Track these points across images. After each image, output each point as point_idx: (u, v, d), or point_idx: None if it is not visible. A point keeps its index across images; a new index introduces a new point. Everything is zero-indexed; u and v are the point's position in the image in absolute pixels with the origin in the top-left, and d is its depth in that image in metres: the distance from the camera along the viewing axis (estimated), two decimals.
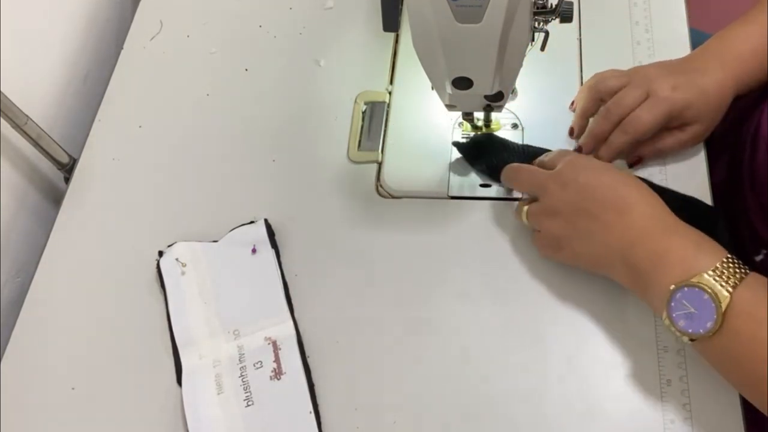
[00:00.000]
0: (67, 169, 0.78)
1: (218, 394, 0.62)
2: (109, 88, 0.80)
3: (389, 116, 0.75)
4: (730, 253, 0.54)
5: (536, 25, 0.59)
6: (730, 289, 0.51)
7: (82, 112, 0.85)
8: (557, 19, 0.59)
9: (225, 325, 0.65)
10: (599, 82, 0.67)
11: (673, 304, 0.52)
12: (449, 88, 0.60)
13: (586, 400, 0.59)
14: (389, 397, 0.61)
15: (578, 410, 0.59)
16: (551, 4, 0.58)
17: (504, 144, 0.70)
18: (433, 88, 0.63)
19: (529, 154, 0.68)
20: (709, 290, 0.51)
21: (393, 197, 0.71)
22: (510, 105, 0.73)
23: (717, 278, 0.51)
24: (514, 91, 0.73)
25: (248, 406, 0.61)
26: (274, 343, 0.63)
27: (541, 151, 0.68)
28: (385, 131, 0.74)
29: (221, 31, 0.83)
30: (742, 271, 0.52)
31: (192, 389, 0.62)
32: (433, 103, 0.71)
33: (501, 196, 0.69)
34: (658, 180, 0.68)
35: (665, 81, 0.64)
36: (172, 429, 0.61)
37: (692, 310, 0.52)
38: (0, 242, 0.73)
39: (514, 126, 0.73)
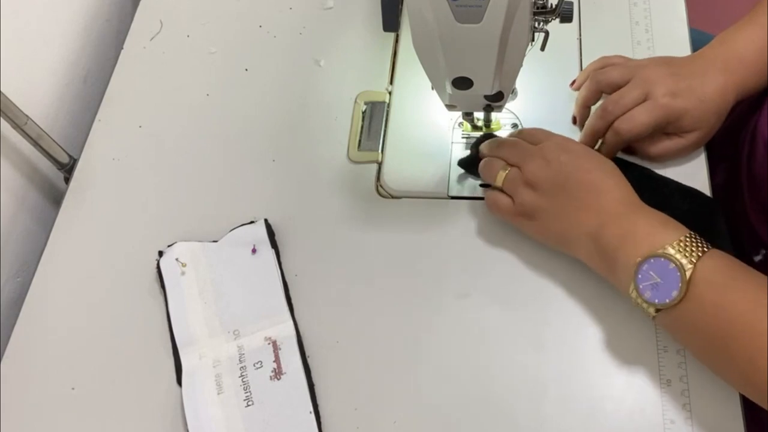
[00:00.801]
0: (67, 169, 0.78)
1: (218, 394, 0.62)
2: (109, 88, 0.80)
3: (389, 116, 0.75)
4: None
5: (536, 25, 0.59)
6: (694, 260, 0.53)
7: (82, 112, 0.85)
8: (557, 19, 0.59)
9: (225, 325, 0.65)
10: (601, 73, 0.68)
11: (640, 275, 0.55)
12: (449, 88, 0.60)
13: (586, 400, 0.59)
14: (389, 397, 0.61)
15: (578, 410, 0.59)
16: (551, 4, 0.58)
17: None
18: (433, 88, 0.63)
19: None
20: (674, 260, 0.53)
21: (393, 197, 0.71)
22: (510, 105, 0.73)
23: (681, 251, 0.54)
24: (514, 91, 0.73)
25: (248, 406, 0.61)
26: (274, 343, 0.63)
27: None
28: (385, 131, 0.74)
29: (221, 31, 0.83)
30: (704, 245, 0.55)
31: (192, 389, 0.62)
32: (433, 103, 0.71)
33: None
34: None
35: (665, 85, 0.64)
36: (172, 429, 0.61)
37: (658, 279, 0.54)
38: (0, 242, 0.73)
39: (514, 126, 0.73)
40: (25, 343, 0.66)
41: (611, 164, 0.62)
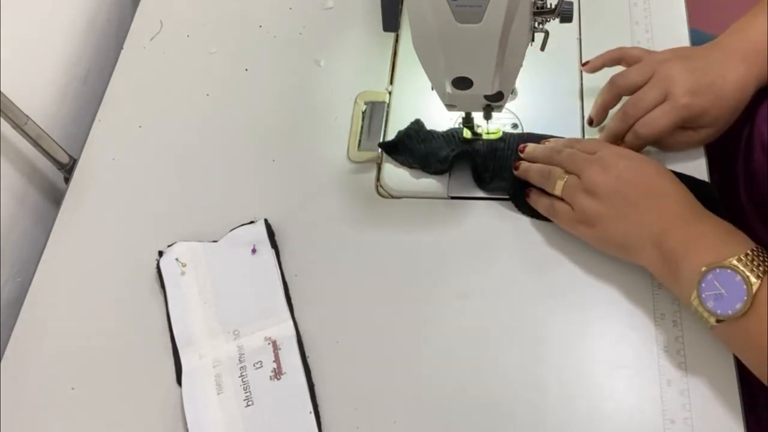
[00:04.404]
0: (67, 169, 0.78)
1: (218, 394, 0.62)
2: (109, 88, 0.80)
3: (389, 116, 0.75)
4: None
5: (536, 25, 0.59)
6: (761, 275, 0.53)
7: (82, 112, 0.85)
8: (557, 19, 0.59)
9: (225, 325, 0.65)
10: (621, 78, 0.68)
11: (704, 284, 0.54)
12: (449, 88, 0.60)
13: (586, 400, 0.59)
14: (389, 397, 0.61)
15: (578, 410, 0.59)
16: (551, 4, 0.58)
17: (429, 132, 0.71)
18: (433, 88, 0.63)
19: (457, 138, 0.71)
20: (741, 273, 0.53)
21: (393, 197, 0.71)
22: (510, 105, 0.73)
23: (747, 264, 0.53)
24: (514, 91, 0.73)
25: (248, 406, 0.61)
26: (274, 343, 0.63)
27: (474, 139, 0.71)
28: (385, 131, 0.74)
29: (221, 31, 0.83)
30: None
31: (192, 389, 0.62)
32: (433, 103, 0.71)
33: (501, 196, 0.69)
34: None
35: (684, 84, 0.64)
36: (172, 429, 0.61)
37: (722, 291, 0.54)
38: (0, 242, 0.73)
39: (514, 126, 0.73)
40: (25, 343, 0.66)
41: (669, 171, 0.62)
